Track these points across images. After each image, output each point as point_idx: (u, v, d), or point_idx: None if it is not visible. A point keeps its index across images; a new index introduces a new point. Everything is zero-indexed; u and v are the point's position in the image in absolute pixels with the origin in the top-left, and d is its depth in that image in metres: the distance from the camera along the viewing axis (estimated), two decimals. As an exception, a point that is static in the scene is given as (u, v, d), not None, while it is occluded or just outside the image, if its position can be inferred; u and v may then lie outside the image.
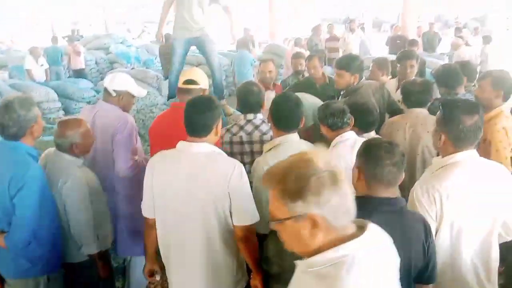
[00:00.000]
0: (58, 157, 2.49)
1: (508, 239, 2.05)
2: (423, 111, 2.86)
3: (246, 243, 2.08)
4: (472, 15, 24.05)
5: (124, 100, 2.92)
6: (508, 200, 1.92)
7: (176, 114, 2.67)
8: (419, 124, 2.78)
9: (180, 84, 2.86)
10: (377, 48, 12.35)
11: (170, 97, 4.97)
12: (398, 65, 4.10)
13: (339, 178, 1.14)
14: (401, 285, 1.65)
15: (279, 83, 5.04)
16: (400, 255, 1.58)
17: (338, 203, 1.13)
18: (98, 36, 13.70)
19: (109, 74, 3.04)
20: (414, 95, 2.86)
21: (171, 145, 2.54)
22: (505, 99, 2.75)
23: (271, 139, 2.53)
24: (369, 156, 1.66)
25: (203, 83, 2.77)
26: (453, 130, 1.87)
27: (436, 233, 1.85)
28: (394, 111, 3.45)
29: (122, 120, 2.81)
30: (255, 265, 2.15)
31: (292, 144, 2.35)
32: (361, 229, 1.20)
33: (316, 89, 4.10)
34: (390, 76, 4.36)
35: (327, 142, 2.62)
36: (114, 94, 2.87)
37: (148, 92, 5.70)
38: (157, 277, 2.34)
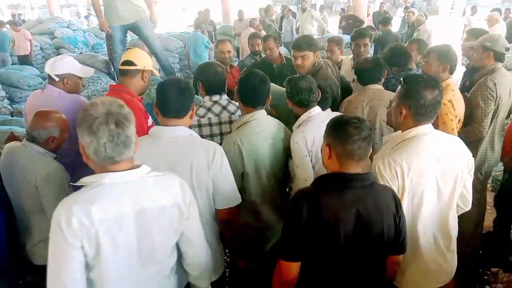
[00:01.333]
0: (28, 149, 2.33)
1: (466, 209, 2.14)
2: (378, 87, 2.94)
3: (229, 225, 2.10)
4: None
5: (70, 83, 2.79)
6: (465, 172, 1.99)
7: (115, 95, 2.57)
8: (376, 99, 2.85)
9: (119, 66, 2.76)
10: (331, 28, 12.49)
11: None
12: (353, 44, 4.16)
13: (95, 126, 1.38)
14: (375, 257, 1.71)
15: (235, 64, 4.98)
16: (373, 229, 1.63)
17: (88, 142, 1.40)
18: (41, 20, 12.96)
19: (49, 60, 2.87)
20: (367, 72, 2.94)
21: None
22: (451, 72, 2.87)
23: (240, 118, 2.51)
24: (338, 132, 1.66)
25: (142, 64, 2.65)
26: (415, 104, 1.89)
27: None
28: (343, 86, 3.51)
29: (78, 103, 2.69)
30: (238, 245, 2.20)
31: (261, 121, 2.39)
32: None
33: (273, 70, 4.09)
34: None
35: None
36: (57, 79, 2.74)
37: (99, 77, 5.52)
38: None
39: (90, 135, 1.39)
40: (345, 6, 14.61)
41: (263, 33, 7.07)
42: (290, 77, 2.61)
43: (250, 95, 2.40)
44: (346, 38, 7.91)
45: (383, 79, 3.01)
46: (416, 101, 1.89)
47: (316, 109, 2.50)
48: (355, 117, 1.71)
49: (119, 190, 1.46)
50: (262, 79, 2.42)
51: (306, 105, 2.49)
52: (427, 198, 1.93)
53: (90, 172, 1.52)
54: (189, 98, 2.02)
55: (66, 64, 2.80)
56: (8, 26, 10.50)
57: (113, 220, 1.44)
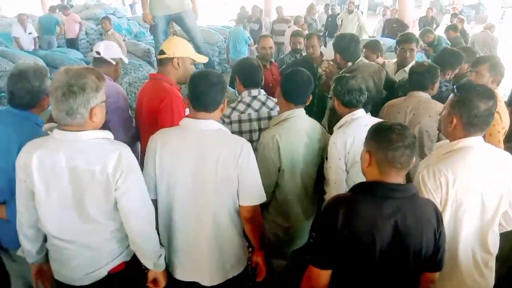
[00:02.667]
0: None
1: (508, 229, 2.03)
2: (425, 95, 2.81)
3: (252, 222, 2.07)
4: (467, 2, 24.03)
5: (118, 70, 2.81)
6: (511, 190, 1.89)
7: (154, 84, 2.61)
8: (421, 108, 2.74)
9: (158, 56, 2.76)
10: (372, 31, 12.24)
11: None
12: (398, 48, 4.05)
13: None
14: (410, 273, 1.64)
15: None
16: (411, 243, 1.57)
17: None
18: (88, 6, 13.34)
19: (98, 43, 2.87)
20: (417, 76, 2.83)
21: (150, 115, 2.49)
22: (498, 84, 2.81)
23: (278, 115, 2.50)
24: (380, 139, 1.61)
25: (171, 51, 2.58)
26: (467, 114, 1.81)
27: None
28: (391, 87, 3.43)
29: (116, 91, 2.70)
30: (259, 243, 2.15)
31: (299, 119, 2.39)
32: None
33: (314, 69, 4.04)
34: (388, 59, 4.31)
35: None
36: (113, 62, 2.74)
37: (140, 65, 5.62)
38: None
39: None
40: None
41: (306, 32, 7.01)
42: (340, 75, 2.57)
43: (295, 91, 2.39)
44: (390, 42, 7.75)
45: (432, 90, 2.85)
46: (468, 110, 1.80)
47: (361, 111, 2.44)
48: (398, 123, 1.65)
49: (60, 146, 1.70)
50: (309, 78, 2.42)
51: (354, 106, 2.43)
52: (470, 213, 1.84)
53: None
54: (221, 92, 1.98)
55: (118, 49, 2.82)
56: (57, 10, 10.82)
57: (48, 169, 1.71)
